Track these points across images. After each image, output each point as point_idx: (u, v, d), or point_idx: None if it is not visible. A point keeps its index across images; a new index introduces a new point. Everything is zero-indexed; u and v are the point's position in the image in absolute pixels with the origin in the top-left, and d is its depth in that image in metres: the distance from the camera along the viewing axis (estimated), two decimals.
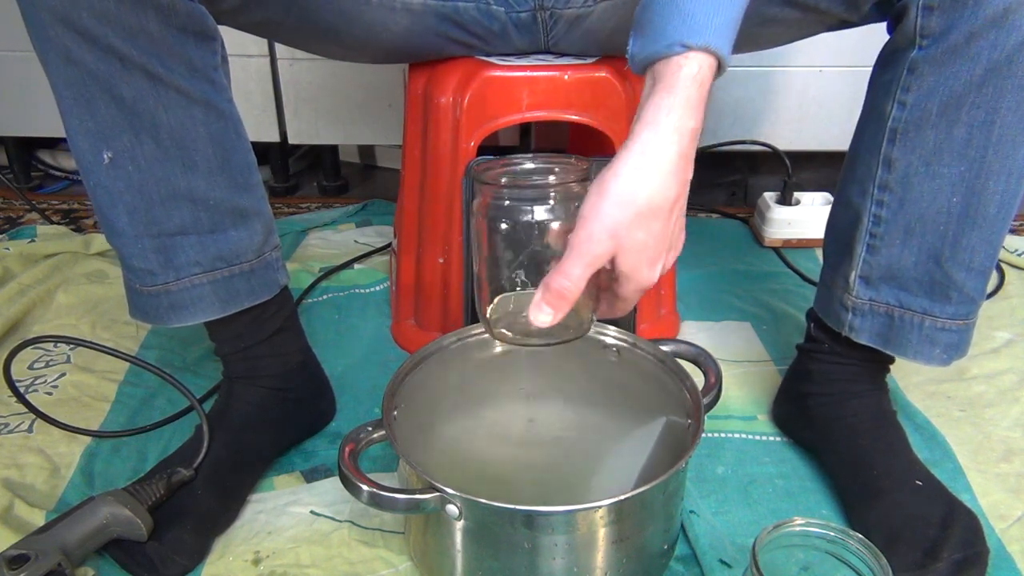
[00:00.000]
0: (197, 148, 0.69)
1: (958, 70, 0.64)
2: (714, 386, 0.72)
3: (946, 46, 0.64)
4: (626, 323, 0.91)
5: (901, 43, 0.67)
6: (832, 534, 0.62)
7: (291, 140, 1.49)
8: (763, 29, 0.77)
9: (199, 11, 0.66)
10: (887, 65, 0.70)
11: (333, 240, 1.33)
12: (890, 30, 0.70)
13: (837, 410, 0.80)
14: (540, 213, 0.62)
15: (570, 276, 0.58)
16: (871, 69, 0.73)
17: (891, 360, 0.81)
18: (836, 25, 0.74)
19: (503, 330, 0.66)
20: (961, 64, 0.64)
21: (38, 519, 0.74)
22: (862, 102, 0.76)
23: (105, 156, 0.67)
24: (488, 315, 0.66)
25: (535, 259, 0.63)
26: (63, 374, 0.97)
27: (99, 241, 1.23)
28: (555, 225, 0.62)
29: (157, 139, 0.67)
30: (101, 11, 0.61)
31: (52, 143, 1.62)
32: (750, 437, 0.88)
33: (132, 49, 0.63)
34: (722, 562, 0.71)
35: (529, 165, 0.66)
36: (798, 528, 0.62)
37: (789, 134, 1.41)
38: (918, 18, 0.65)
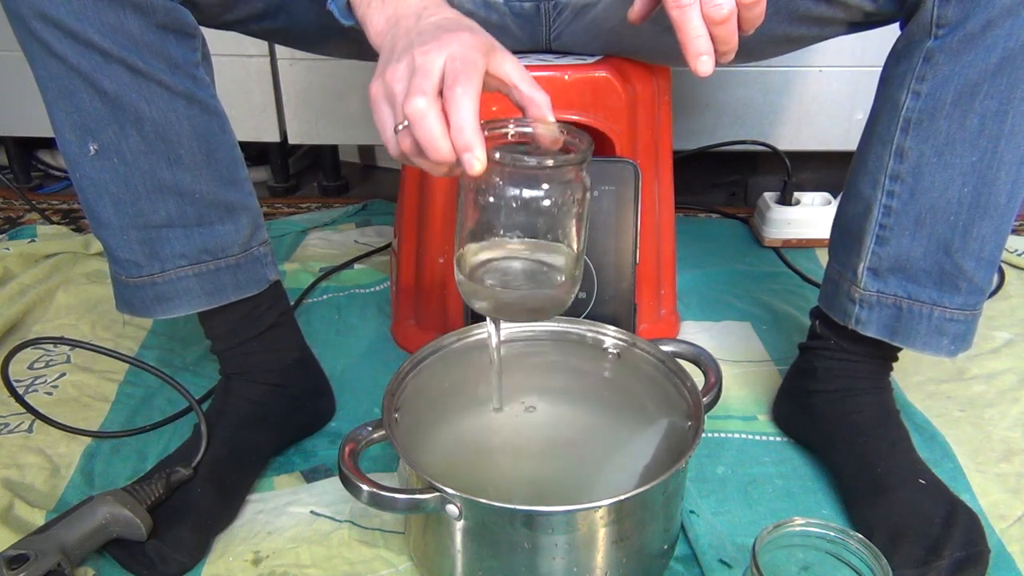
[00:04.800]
0: (181, 142, 0.70)
1: (973, 59, 0.64)
2: (714, 386, 0.72)
3: (963, 35, 0.64)
4: (626, 323, 0.91)
5: (916, 34, 0.68)
6: (832, 534, 0.62)
7: (291, 140, 1.49)
8: (795, 29, 0.77)
9: (178, 9, 0.67)
10: (901, 57, 0.70)
11: (333, 240, 1.33)
12: (903, 26, 0.71)
13: (841, 407, 0.80)
14: (534, 193, 0.58)
15: None
16: (873, 68, 0.74)
17: (895, 357, 0.81)
18: (857, 20, 0.74)
19: (485, 297, 0.62)
20: (977, 53, 0.64)
21: (38, 519, 0.74)
22: (862, 102, 0.76)
23: (91, 148, 0.68)
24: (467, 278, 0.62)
25: (522, 232, 0.59)
26: (63, 374, 0.97)
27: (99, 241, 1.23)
28: (547, 203, 0.58)
29: (141, 132, 0.68)
30: (79, 8, 0.62)
31: (52, 143, 1.62)
32: (750, 437, 0.88)
33: (112, 44, 0.64)
34: (722, 562, 0.71)
35: (521, 132, 0.61)
36: (798, 528, 0.62)
37: (789, 134, 1.41)
38: (935, 8, 0.65)
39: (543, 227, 0.59)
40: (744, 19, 0.58)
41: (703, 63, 0.58)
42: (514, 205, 0.57)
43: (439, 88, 0.53)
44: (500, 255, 0.60)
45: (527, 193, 0.57)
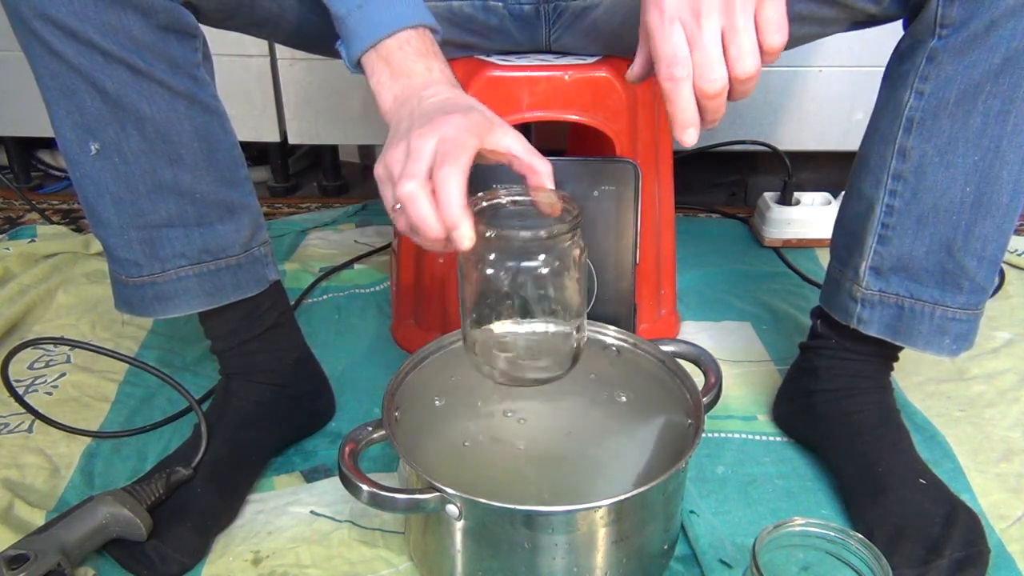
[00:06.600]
0: (182, 141, 0.70)
1: (977, 59, 0.65)
2: (714, 386, 0.72)
3: (966, 35, 0.64)
4: (626, 323, 0.91)
5: (920, 34, 0.68)
6: (832, 534, 0.62)
7: (291, 140, 1.49)
8: (797, 29, 0.77)
9: (178, 10, 0.67)
10: (904, 57, 0.70)
11: (333, 240, 1.33)
12: (906, 25, 0.71)
13: (842, 406, 0.80)
14: (531, 265, 0.60)
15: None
16: (873, 68, 0.74)
17: (896, 357, 0.81)
18: (860, 20, 0.74)
19: (497, 368, 0.64)
20: (980, 53, 0.64)
21: (38, 519, 0.74)
22: (862, 102, 0.76)
23: (92, 147, 0.68)
24: (476, 352, 0.65)
25: (524, 302, 0.61)
26: (63, 374, 0.97)
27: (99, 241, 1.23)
28: (544, 271, 0.60)
29: (142, 131, 0.68)
30: (80, 8, 0.62)
31: (52, 143, 1.61)
32: (750, 437, 0.88)
33: (112, 44, 0.64)
34: (722, 562, 0.71)
35: (515, 201, 0.62)
36: (798, 528, 0.62)
37: (789, 134, 1.41)
38: (939, 8, 0.65)
39: (542, 291, 0.60)
40: (736, 91, 0.58)
41: (689, 135, 0.59)
42: (510, 275, 0.59)
43: (430, 170, 0.55)
44: (503, 325, 0.62)
45: (522, 263, 0.59)
